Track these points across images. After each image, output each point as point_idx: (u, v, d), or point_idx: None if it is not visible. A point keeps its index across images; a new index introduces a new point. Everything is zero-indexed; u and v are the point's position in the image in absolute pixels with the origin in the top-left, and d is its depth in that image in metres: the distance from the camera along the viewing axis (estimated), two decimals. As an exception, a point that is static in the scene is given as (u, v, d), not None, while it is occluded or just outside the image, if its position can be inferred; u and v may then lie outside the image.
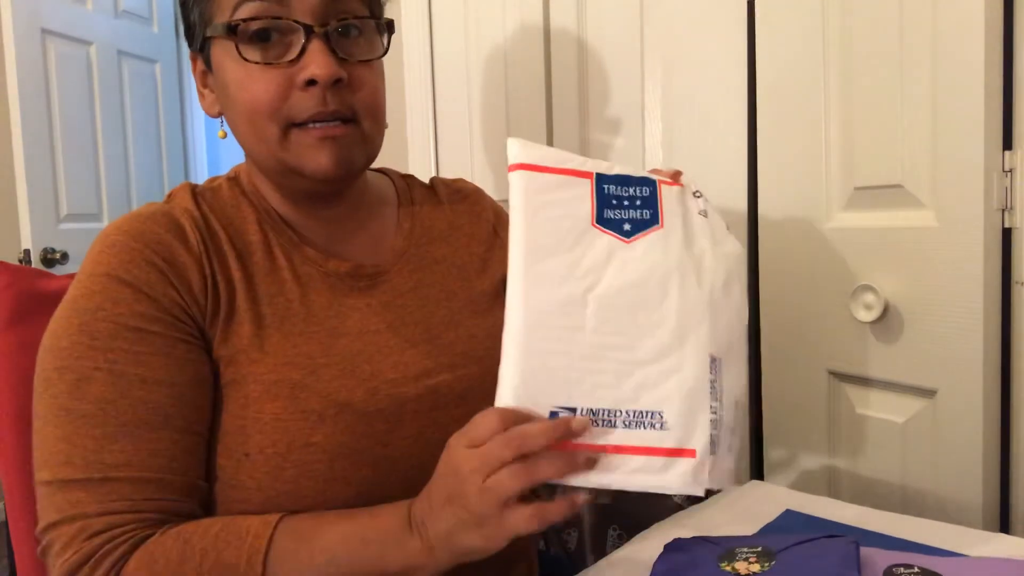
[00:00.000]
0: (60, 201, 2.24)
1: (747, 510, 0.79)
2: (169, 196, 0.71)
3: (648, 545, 0.70)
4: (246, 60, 0.64)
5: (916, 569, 0.59)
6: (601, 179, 0.63)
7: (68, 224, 2.26)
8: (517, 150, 0.63)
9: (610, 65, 1.21)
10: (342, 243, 0.74)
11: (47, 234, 2.17)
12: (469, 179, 0.91)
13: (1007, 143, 0.85)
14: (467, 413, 0.66)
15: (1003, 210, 0.85)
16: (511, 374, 0.57)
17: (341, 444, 0.63)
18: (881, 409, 0.98)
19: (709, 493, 0.58)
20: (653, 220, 0.62)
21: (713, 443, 0.57)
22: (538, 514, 0.54)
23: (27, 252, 2.12)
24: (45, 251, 2.15)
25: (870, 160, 0.94)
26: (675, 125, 1.14)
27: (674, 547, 0.65)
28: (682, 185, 0.66)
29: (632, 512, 1.11)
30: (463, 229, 0.83)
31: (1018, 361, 0.87)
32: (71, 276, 0.80)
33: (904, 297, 0.92)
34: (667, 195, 0.64)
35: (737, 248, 0.66)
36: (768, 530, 0.73)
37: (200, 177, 2.87)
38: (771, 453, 1.10)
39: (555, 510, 0.54)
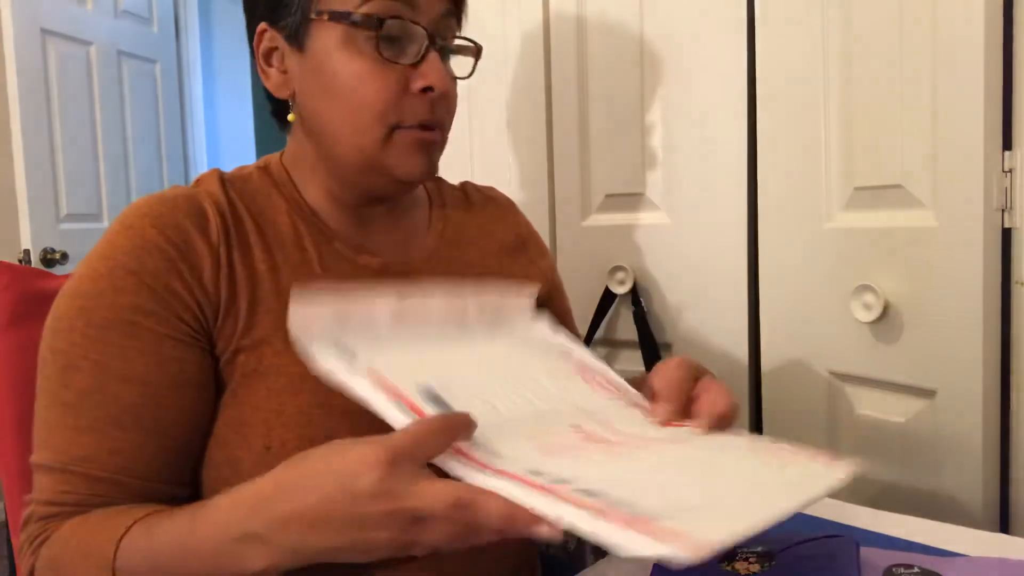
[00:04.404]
0: (60, 201, 2.24)
1: (747, 510, 0.79)
2: (197, 181, 0.70)
3: (648, 545, 0.70)
4: (380, 55, 0.64)
5: (916, 569, 0.59)
6: None
7: (68, 224, 2.26)
8: None
9: (610, 66, 1.21)
10: (372, 240, 0.74)
11: (47, 234, 2.17)
12: (470, 179, 0.91)
13: (1007, 143, 0.85)
14: None
15: (1003, 210, 0.85)
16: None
17: None
18: (881, 409, 0.98)
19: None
20: None
21: None
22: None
23: (27, 252, 2.12)
24: (45, 251, 2.15)
25: (870, 160, 0.94)
26: (675, 126, 1.14)
27: (674, 547, 0.65)
28: None
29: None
30: (494, 236, 0.84)
31: (1018, 361, 0.87)
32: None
33: (904, 297, 0.92)
34: None
35: None
36: (768, 530, 0.73)
37: (200, 177, 2.87)
38: (771, 453, 1.10)
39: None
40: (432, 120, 0.67)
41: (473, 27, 1.43)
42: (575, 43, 1.24)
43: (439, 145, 0.70)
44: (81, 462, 0.59)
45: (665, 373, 0.67)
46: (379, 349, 0.58)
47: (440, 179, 0.87)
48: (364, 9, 0.64)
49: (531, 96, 1.31)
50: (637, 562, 0.67)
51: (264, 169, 0.73)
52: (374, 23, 0.64)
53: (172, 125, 2.82)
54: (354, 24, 0.64)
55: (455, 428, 0.50)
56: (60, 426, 0.59)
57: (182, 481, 0.64)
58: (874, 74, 0.93)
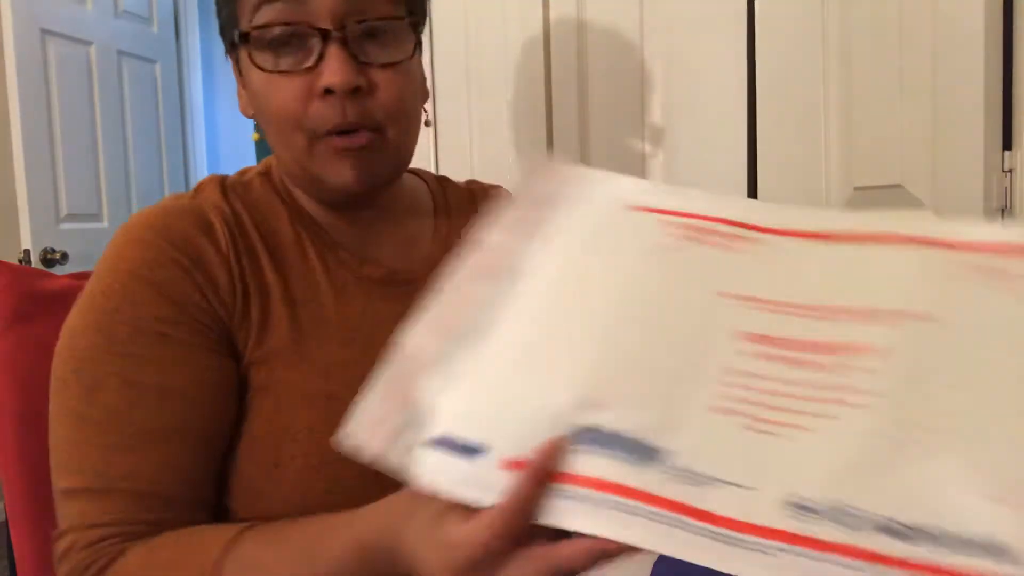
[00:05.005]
0: (60, 201, 2.24)
1: (747, 510, 0.79)
2: (197, 189, 0.68)
3: (648, 545, 0.70)
4: (261, 68, 0.61)
5: (916, 569, 0.59)
6: None
7: (68, 224, 2.26)
8: None
9: (610, 65, 1.21)
10: (374, 247, 0.71)
11: (47, 234, 2.17)
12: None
13: (1007, 143, 0.85)
14: None
15: (1003, 210, 0.85)
16: None
17: None
18: (881, 409, 0.98)
19: None
20: None
21: None
22: None
23: (27, 252, 2.12)
24: (45, 251, 2.15)
25: (870, 160, 0.94)
26: (675, 125, 1.14)
27: (674, 547, 0.65)
28: None
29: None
30: None
31: (1018, 361, 0.87)
32: (71, 276, 0.80)
33: (904, 297, 0.92)
34: None
35: None
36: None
37: (199, 177, 2.87)
38: (771, 453, 1.10)
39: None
40: (347, 123, 0.61)
41: (473, 29, 1.42)
42: (575, 44, 1.25)
43: (375, 147, 0.63)
44: (126, 479, 0.57)
45: None
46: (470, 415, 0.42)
47: (446, 180, 0.84)
48: (254, 22, 0.61)
49: (531, 96, 1.31)
50: (637, 562, 0.67)
51: (265, 175, 0.71)
52: (258, 36, 0.61)
53: (172, 125, 2.81)
54: (247, 41, 0.61)
55: (519, 518, 0.41)
56: (92, 446, 0.57)
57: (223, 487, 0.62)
58: (874, 74, 0.93)
